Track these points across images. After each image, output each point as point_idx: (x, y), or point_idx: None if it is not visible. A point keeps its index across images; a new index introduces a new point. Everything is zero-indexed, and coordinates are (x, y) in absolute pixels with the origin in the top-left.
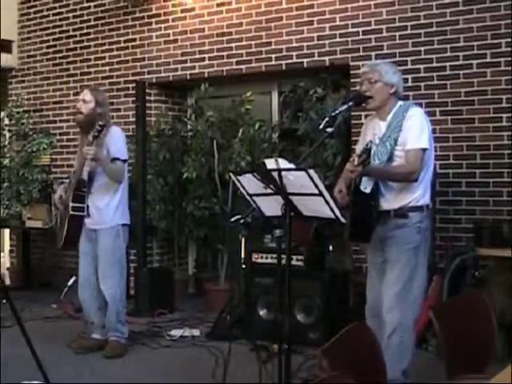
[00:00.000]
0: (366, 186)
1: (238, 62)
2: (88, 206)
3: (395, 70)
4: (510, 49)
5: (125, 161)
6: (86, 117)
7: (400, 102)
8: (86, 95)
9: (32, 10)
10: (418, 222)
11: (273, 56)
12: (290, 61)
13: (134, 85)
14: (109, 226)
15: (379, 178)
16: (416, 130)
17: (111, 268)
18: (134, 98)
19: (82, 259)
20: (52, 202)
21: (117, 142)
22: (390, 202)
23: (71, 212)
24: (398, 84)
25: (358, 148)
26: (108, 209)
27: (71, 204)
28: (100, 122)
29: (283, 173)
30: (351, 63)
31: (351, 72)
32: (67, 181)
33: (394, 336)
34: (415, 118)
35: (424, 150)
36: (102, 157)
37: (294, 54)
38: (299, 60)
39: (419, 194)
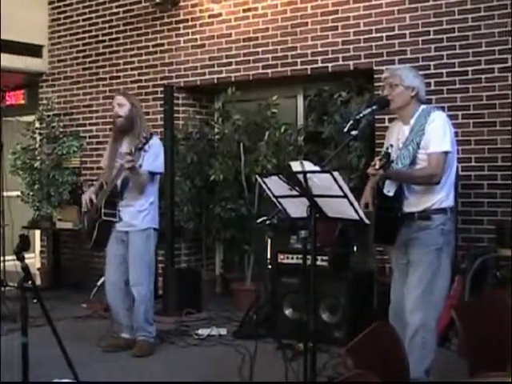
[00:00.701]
0: (390, 190)
1: (264, 67)
2: (119, 210)
3: (415, 74)
4: None
5: (156, 173)
6: (126, 119)
7: (423, 106)
8: (120, 99)
9: (62, 16)
10: (441, 224)
11: (298, 60)
12: (315, 65)
13: (162, 89)
14: (141, 229)
15: (401, 181)
16: (438, 134)
17: (141, 269)
18: (162, 102)
19: (110, 261)
20: (82, 204)
21: (157, 155)
22: (413, 204)
23: (104, 218)
24: (418, 87)
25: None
26: (140, 212)
27: (104, 210)
28: (144, 135)
29: (308, 175)
30: (375, 67)
31: (375, 76)
32: (97, 183)
33: (416, 337)
34: (437, 122)
35: (446, 153)
36: (138, 170)
37: (319, 58)
38: (324, 64)
39: (442, 197)
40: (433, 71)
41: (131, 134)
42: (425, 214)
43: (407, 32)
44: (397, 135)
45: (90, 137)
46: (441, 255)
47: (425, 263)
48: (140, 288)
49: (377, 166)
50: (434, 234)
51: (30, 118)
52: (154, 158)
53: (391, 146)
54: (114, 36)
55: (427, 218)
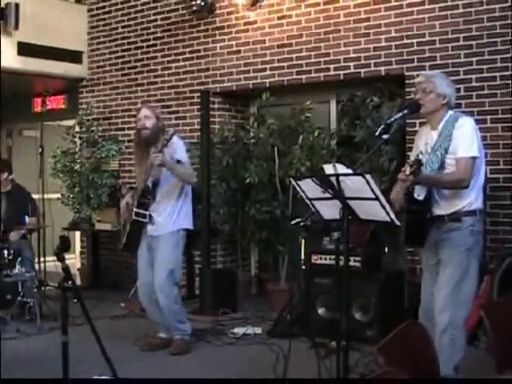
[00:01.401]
0: (419, 194)
1: (298, 72)
2: (151, 215)
3: (448, 82)
4: None
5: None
6: (151, 131)
7: (450, 112)
8: (147, 112)
9: (101, 23)
10: (471, 225)
11: (331, 66)
12: (347, 71)
13: (198, 94)
14: (168, 232)
15: (431, 185)
16: (466, 139)
17: (165, 272)
18: (198, 107)
19: (141, 265)
20: (121, 209)
21: (181, 148)
22: (443, 207)
23: (134, 217)
24: (450, 95)
25: (412, 156)
26: (170, 215)
27: (135, 209)
28: (166, 136)
29: (341, 178)
30: (406, 73)
31: (406, 81)
32: (134, 190)
33: (445, 334)
34: (465, 128)
35: (474, 158)
36: (170, 162)
37: (352, 64)
38: (356, 70)
39: (472, 200)
40: (462, 77)
41: (157, 144)
42: (455, 216)
43: (437, 39)
44: (425, 140)
45: (128, 141)
46: (470, 255)
47: (455, 263)
48: (164, 291)
49: (407, 172)
50: (465, 234)
51: (70, 123)
52: (178, 151)
53: (421, 153)
54: (151, 42)
55: (457, 219)
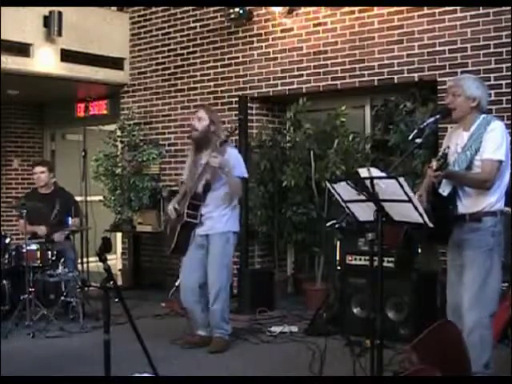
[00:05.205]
0: (444, 190)
1: (333, 78)
2: (201, 215)
3: (478, 85)
4: None
5: (243, 178)
6: (201, 133)
7: (483, 115)
8: (201, 113)
9: (142, 30)
10: (492, 226)
11: (366, 72)
12: (381, 77)
13: (237, 99)
14: (220, 232)
15: (457, 180)
16: (495, 143)
17: (220, 270)
18: (237, 112)
19: (186, 264)
20: (162, 208)
21: (238, 161)
22: (466, 206)
23: (186, 219)
24: (480, 97)
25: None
26: (221, 217)
27: (186, 211)
28: (219, 140)
29: (375, 181)
30: (438, 79)
31: (438, 87)
32: (180, 192)
33: (474, 334)
34: (496, 132)
35: (500, 161)
36: (228, 165)
37: (386, 70)
38: (390, 76)
39: (493, 201)
40: (493, 82)
41: (209, 148)
42: (476, 216)
43: (469, 46)
44: (455, 140)
45: (168, 144)
46: (492, 256)
47: (478, 264)
48: (217, 288)
49: (434, 167)
50: (485, 235)
51: (112, 127)
52: (235, 164)
53: (448, 147)
54: (191, 49)
55: (478, 219)
